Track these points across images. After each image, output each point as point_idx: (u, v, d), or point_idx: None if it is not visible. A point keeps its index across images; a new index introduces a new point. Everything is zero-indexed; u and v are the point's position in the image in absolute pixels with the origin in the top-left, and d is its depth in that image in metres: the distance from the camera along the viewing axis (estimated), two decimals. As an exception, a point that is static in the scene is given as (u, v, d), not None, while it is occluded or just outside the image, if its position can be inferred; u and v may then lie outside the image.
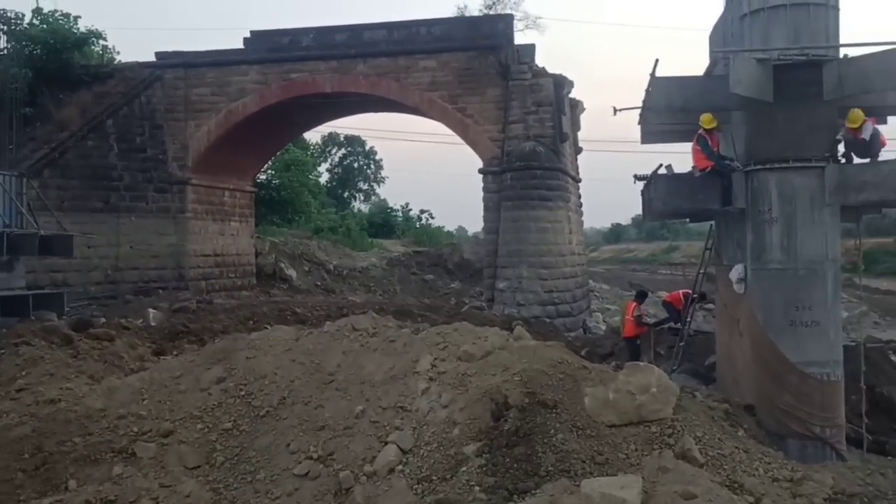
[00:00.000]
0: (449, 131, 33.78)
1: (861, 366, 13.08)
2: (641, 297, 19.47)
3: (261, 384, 9.62)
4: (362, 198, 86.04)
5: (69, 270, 29.45)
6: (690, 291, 20.17)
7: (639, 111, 13.84)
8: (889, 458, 13.42)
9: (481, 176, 32.11)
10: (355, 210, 78.70)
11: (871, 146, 11.74)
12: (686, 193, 12.36)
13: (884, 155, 11.89)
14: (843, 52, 11.70)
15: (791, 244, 11.52)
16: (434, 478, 7.89)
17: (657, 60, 11.70)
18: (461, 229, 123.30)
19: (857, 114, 11.48)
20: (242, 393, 9.52)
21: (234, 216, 37.71)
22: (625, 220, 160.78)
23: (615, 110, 14.34)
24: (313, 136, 63.23)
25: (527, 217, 30.28)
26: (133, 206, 32.91)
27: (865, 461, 11.47)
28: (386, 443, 8.40)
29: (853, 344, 13.71)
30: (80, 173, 31.61)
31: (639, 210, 15.95)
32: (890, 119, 13.27)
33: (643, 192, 13.86)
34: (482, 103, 31.78)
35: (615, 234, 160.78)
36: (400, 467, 8.13)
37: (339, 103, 35.48)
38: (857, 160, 11.79)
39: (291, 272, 40.67)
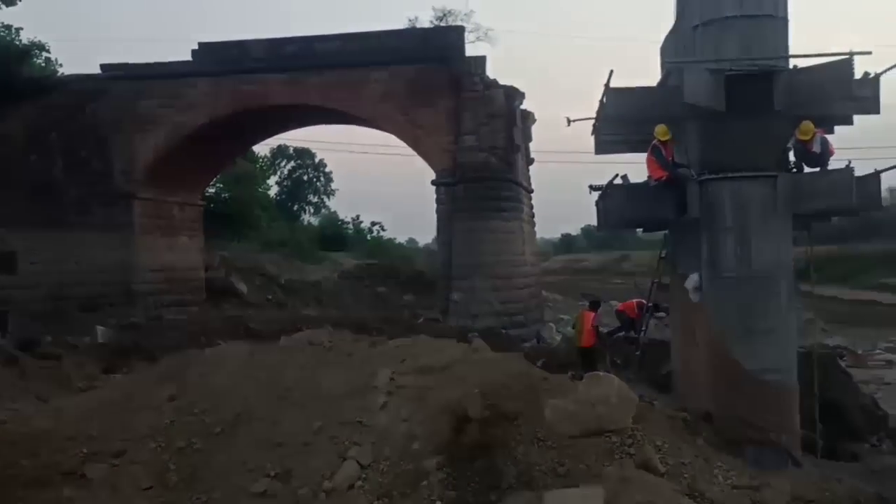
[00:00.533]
0: (400, 143, 33.73)
1: (813, 372, 13.25)
2: (596, 306, 19.59)
3: (215, 401, 9.42)
4: (312, 211, 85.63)
5: (12, 288, 28.69)
6: (644, 301, 20.42)
7: (592, 122, 13.92)
8: (841, 463, 13.65)
9: (434, 188, 32.08)
10: (305, 223, 78.28)
11: (821, 156, 11.91)
12: (642, 203, 12.42)
13: (832, 164, 12.08)
14: (792, 62, 11.86)
15: (745, 253, 11.63)
16: (395, 493, 7.79)
17: (612, 71, 11.76)
18: (412, 241, 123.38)
19: (808, 126, 11.64)
20: (196, 411, 9.31)
21: (183, 230, 37.12)
22: (575, 230, 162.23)
23: (569, 121, 14.40)
24: (262, 148, 62.83)
25: (480, 228, 30.27)
26: (78, 221, 32.20)
27: (819, 467, 11.59)
28: (345, 458, 8.27)
29: (802, 350, 13.88)
30: (23, 188, 30.91)
31: (589, 220, 16.04)
32: (836, 128, 13.46)
33: (598, 203, 13.90)
34: (434, 115, 31.75)
35: (566, 244, 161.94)
36: (360, 483, 8.02)
37: (291, 115, 35.23)
38: (807, 169, 11.95)
39: (242, 286, 40.17)
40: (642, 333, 17.08)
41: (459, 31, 33.24)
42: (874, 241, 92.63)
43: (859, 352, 31.99)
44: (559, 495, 7.31)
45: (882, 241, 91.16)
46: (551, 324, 36.53)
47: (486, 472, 7.66)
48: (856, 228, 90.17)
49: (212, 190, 46.00)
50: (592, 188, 13.79)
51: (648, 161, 12.20)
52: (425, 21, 34.98)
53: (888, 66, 12.02)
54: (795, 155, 11.96)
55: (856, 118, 13.06)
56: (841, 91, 11.26)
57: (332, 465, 8.26)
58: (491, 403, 8.40)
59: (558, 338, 30.98)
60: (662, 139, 12.02)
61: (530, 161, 36.81)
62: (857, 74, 11.30)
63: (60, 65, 37.80)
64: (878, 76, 12.08)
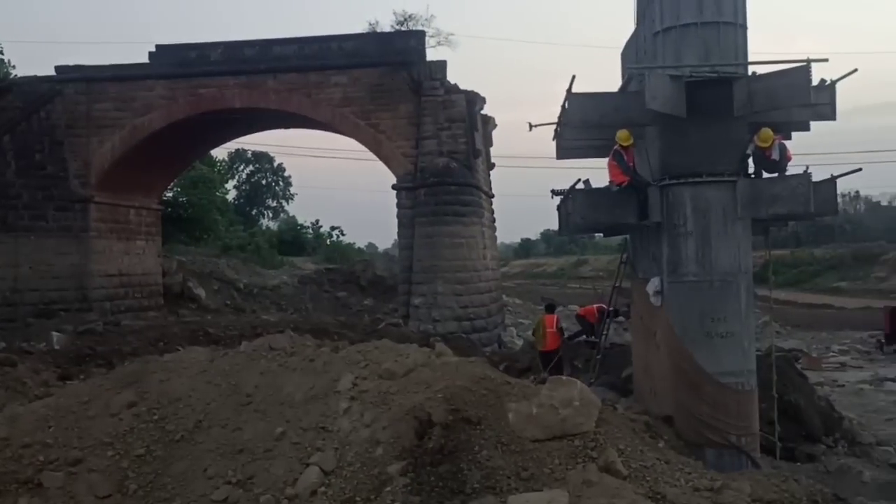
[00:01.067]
0: (360, 147, 33.66)
1: (771, 375, 13.39)
2: (552, 309, 19.70)
3: (175, 408, 9.31)
4: (271, 215, 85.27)
5: (-36, 293, 28.21)
6: (605, 305, 20.59)
7: (554, 127, 13.97)
8: (798, 464, 13.83)
9: (394, 192, 32.05)
10: (264, 227, 77.77)
11: (779, 161, 12.06)
12: (603, 208, 12.45)
13: (790, 169, 12.24)
14: (751, 69, 11.99)
15: (706, 257, 11.72)
16: (358, 499, 7.75)
17: (574, 77, 11.79)
18: (371, 246, 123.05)
19: (767, 133, 11.77)
20: (156, 417, 9.20)
21: (140, 235, 36.70)
22: (534, 234, 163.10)
23: (531, 126, 14.41)
24: (220, 152, 62.38)
25: (441, 233, 30.30)
26: (32, 226, 31.75)
27: (777, 468, 11.73)
28: (308, 464, 8.22)
29: (759, 353, 14.03)
30: (-25, 192, 30.35)
31: (548, 224, 16.13)
32: (794, 134, 13.65)
33: (560, 207, 13.95)
34: (395, 119, 31.74)
35: (525, 248, 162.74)
36: (323, 489, 7.96)
37: (249, 119, 35.01)
38: (765, 174, 12.09)
39: (200, 291, 39.80)
40: (603, 338, 17.17)
41: (420, 35, 33.24)
42: (826, 245, 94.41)
43: (814, 354, 32.47)
44: (523, 499, 7.31)
45: (834, 246, 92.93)
46: (512, 328, 36.66)
47: (449, 476, 7.65)
48: (809, 233, 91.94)
49: (169, 194, 45.51)
50: (554, 193, 13.83)
51: (610, 166, 12.26)
52: (386, 25, 34.93)
53: (844, 73, 12.24)
54: (754, 161, 12.08)
55: (812, 124, 13.28)
56: (798, 98, 11.37)
57: (295, 471, 8.20)
58: (454, 408, 8.39)
59: (519, 342, 31.07)
60: (624, 144, 12.10)
61: (491, 166, 36.91)
62: (814, 81, 11.45)
63: (14, 67, 37.20)
64: (834, 83, 12.27)
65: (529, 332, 28.46)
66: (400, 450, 8.09)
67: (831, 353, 34.74)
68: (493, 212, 36.50)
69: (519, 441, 8.19)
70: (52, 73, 33.66)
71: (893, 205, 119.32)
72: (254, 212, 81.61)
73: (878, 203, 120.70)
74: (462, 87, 32.08)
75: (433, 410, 8.37)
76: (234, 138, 41.69)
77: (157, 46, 34.02)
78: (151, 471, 8.53)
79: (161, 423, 9.09)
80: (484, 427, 8.24)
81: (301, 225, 76.44)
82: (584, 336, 21.30)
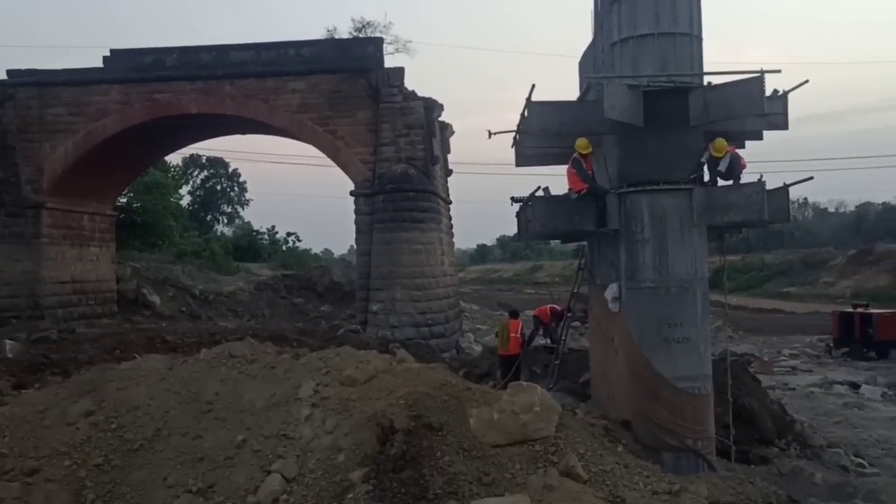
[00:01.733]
0: (316, 153, 33.59)
1: (726, 379, 13.62)
2: (516, 315, 19.89)
3: (133, 416, 9.21)
4: (226, 221, 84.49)
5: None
6: (557, 307, 20.94)
7: (513, 135, 14.09)
8: (752, 466, 14.06)
9: (351, 198, 32.01)
10: (219, 233, 77.04)
11: (733, 170, 12.29)
12: (563, 215, 12.56)
13: (745, 177, 12.47)
14: (706, 79, 12.20)
15: (663, 263, 11.90)
16: (320, 505, 7.73)
17: (533, 86, 11.91)
18: (327, 252, 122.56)
19: (721, 143, 12.01)
20: (114, 426, 9.09)
21: (94, 241, 36.22)
22: (490, 240, 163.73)
23: (490, 134, 14.55)
24: (174, 157, 61.64)
25: (399, 239, 30.32)
26: (-18, 232, 31.17)
27: (732, 471, 11.92)
28: (269, 472, 8.18)
29: (714, 358, 14.24)
30: (-77, 197, 29.75)
31: (504, 230, 16.22)
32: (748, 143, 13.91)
33: (519, 214, 14.05)
34: (353, 126, 31.73)
35: (481, 254, 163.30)
36: (284, 497, 7.94)
37: (206, 125, 34.74)
38: (721, 183, 12.30)
39: (155, 298, 39.33)
40: (561, 343, 17.31)
41: (378, 42, 33.25)
42: (776, 251, 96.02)
43: (765, 359, 32.98)
44: (485, 504, 7.37)
45: (784, 252, 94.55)
46: (469, 334, 36.75)
47: (412, 482, 7.66)
48: (759, 239, 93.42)
49: (123, 200, 44.91)
50: (514, 200, 13.93)
51: (569, 173, 12.38)
52: (344, 32, 34.81)
53: (796, 83, 12.51)
54: (709, 169, 12.30)
55: (765, 133, 13.55)
56: (752, 108, 11.59)
57: (256, 479, 8.16)
58: (416, 414, 8.41)
59: (478, 348, 31.18)
60: (583, 152, 12.24)
61: (449, 172, 37.03)
62: (767, 92, 11.68)
63: (-38, 71, 36.36)
64: (786, 94, 12.54)
65: (492, 336, 28.64)
66: (362, 456, 8.09)
67: (782, 358, 35.35)
68: (450, 218, 36.62)
69: (480, 446, 8.23)
70: (4, 76, 33.15)
71: (840, 211, 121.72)
72: (208, 217, 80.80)
73: (826, 210, 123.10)
74: (420, 94, 32.21)
75: (395, 417, 8.39)
76: (190, 143, 41.32)
77: (112, 51, 33.69)
78: (110, 480, 8.43)
79: (119, 432, 8.99)
80: (446, 433, 8.27)
81: (257, 231, 75.89)
82: (538, 335, 21.67)
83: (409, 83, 32.36)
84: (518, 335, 18.19)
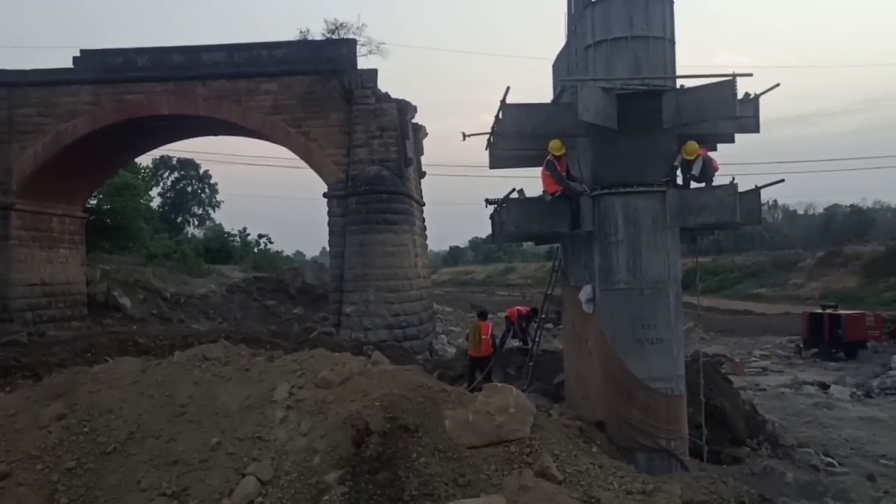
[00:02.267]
0: (289, 155, 33.47)
1: (699, 380, 13.73)
2: (485, 316, 20.02)
3: (106, 419, 9.13)
4: (197, 223, 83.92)
5: None
6: (522, 309, 21.14)
7: (488, 137, 14.12)
8: (724, 466, 14.19)
9: (324, 200, 31.94)
10: (189, 235, 76.50)
11: (705, 173, 12.39)
12: (537, 217, 12.60)
13: (717, 180, 12.58)
14: (679, 82, 12.30)
15: (636, 265, 11.97)
16: (296, 508, 7.71)
17: (508, 88, 11.93)
18: (299, 254, 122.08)
19: (692, 146, 12.11)
20: (86, 429, 9.00)
21: (63, 243, 35.84)
22: (462, 242, 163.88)
23: (464, 136, 14.55)
24: (144, 159, 61.17)
25: (373, 241, 30.29)
26: (-50, 234, 30.77)
27: (705, 471, 12.02)
28: (244, 475, 8.15)
29: (687, 359, 14.36)
30: None
31: (476, 232, 16.24)
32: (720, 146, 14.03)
33: (494, 216, 14.07)
34: (326, 127, 31.66)
35: (453, 256, 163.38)
36: (259, 499, 7.91)
37: (177, 126, 34.52)
38: (693, 185, 12.41)
39: (125, 301, 38.97)
40: (535, 345, 17.37)
41: (351, 43, 33.17)
42: (746, 252, 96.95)
43: (736, 360, 33.27)
44: (461, 505, 7.38)
45: (754, 253, 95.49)
46: (443, 335, 36.77)
47: (387, 484, 7.66)
48: (730, 241, 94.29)
49: (93, 201, 44.45)
50: (488, 202, 13.96)
51: (543, 176, 12.43)
52: (317, 33, 34.68)
53: (767, 87, 12.65)
54: (682, 172, 12.40)
55: (737, 136, 13.68)
56: (724, 111, 11.69)
57: (231, 481, 8.12)
58: (392, 416, 8.42)
59: (451, 350, 31.20)
60: (557, 154, 12.28)
61: (422, 174, 37.03)
62: (739, 95, 11.78)
63: (-71, 71, 35.82)
64: (758, 97, 12.67)
65: (462, 339, 28.69)
66: (337, 458, 8.08)
67: (753, 359, 35.68)
68: (424, 220, 36.61)
69: (456, 448, 8.25)
70: (-29, 77, 32.73)
71: (809, 214, 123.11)
72: (179, 219, 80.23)
73: (795, 212, 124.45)
74: (393, 95, 32.19)
75: (370, 419, 8.39)
76: (161, 145, 41.02)
77: (82, 51, 33.37)
78: (83, 484, 8.35)
79: (92, 436, 8.91)
80: (421, 434, 8.28)
81: (228, 233, 75.38)
82: (510, 336, 21.87)
83: (383, 85, 32.40)
84: (489, 337, 18.24)
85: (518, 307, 22.52)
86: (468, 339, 20.17)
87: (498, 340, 19.70)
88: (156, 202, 71.08)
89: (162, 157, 74.11)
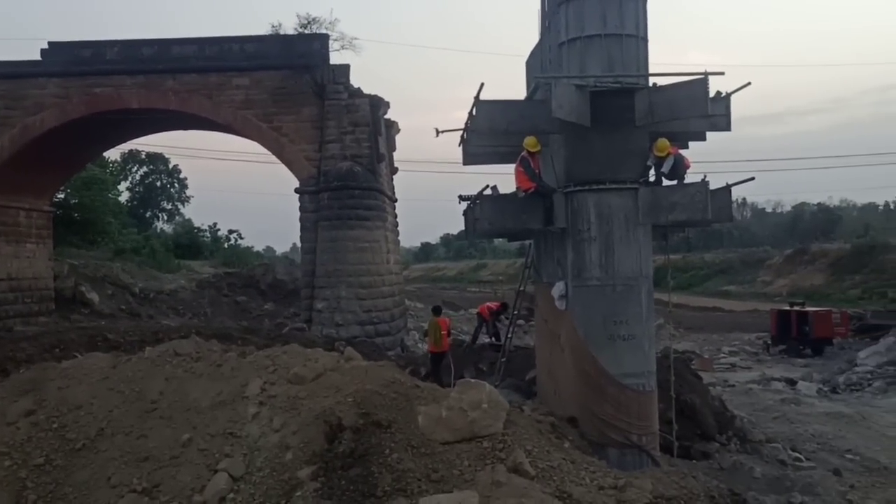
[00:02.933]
0: (259, 150, 33.32)
1: (669, 375, 13.83)
2: (440, 312, 20.24)
3: (76, 415, 9.05)
4: (166, 218, 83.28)
5: None
6: (492, 306, 21.31)
7: (461, 133, 14.12)
8: (694, 461, 14.32)
9: (296, 196, 31.80)
10: (159, 230, 75.89)
11: (676, 170, 12.48)
12: (510, 213, 12.60)
13: (688, 177, 12.66)
14: (652, 80, 12.36)
15: (609, 261, 12.02)
16: (268, 504, 7.69)
17: (482, 84, 11.92)
18: (269, 249, 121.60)
19: (663, 143, 12.19)
20: (55, 425, 8.93)
21: (30, 237, 35.39)
22: (434, 238, 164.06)
23: (438, 132, 14.55)
24: (113, 153, 60.40)
25: (344, 237, 30.21)
26: (-86, 228, 30.30)
27: (675, 466, 12.11)
28: (216, 471, 8.13)
29: (657, 355, 14.47)
30: None
31: (448, 228, 16.26)
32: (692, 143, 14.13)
33: (467, 212, 14.08)
34: (298, 122, 31.50)
35: (425, 252, 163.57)
36: (231, 495, 7.89)
37: (147, 120, 34.14)
38: (665, 182, 12.48)
39: (93, 296, 38.53)
40: (508, 341, 17.44)
41: (324, 38, 33.04)
42: (716, 250, 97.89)
43: (706, 356, 33.59)
44: (433, 501, 7.40)
45: (723, 251, 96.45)
46: (414, 332, 36.76)
47: (360, 480, 7.67)
48: (699, 238, 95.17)
49: (60, 196, 43.95)
50: (462, 198, 13.95)
51: (517, 172, 12.43)
52: (289, 28, 34.54)
53: (738, 86, 12.74)
54: (654, 169, 12.47)
55: (708, 134, 13.78)
56: (696, 109, 11.75)
57: (203, 477, 8.09)
58: (364, 412, 8.42)
59: (423, 346, 31.20)
60: (532, 150, 12.30)
61: (394, 170, 37.00)
62: (711, 93, 11.86)
63: None
64: (729, 95, 12.76)
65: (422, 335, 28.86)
66: (310, 454, 8.08)
67: (722, 355, 36.06)
68: (396, 216, 36.58)
69: (429, 444, 8.27)
70: (-64, 68, 32.19)
71: (778, 212, 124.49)
72: (148, 214, 79.57)
73: (764, 210, 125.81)
74: (366, 91, 32.11)
75: (343, 414, 8.39)
76: (130, 139, 40.64)
77: (50, 44, 32.90)
78: (52, 480, 8.28)
79: (61, 432, 8.83)
80: (394, 430, 8.29)
81: (198, 228, 74.88)
82: (482, 331, 22.02)
83: (356, 80, 32.28)
84: (446, 332, 18.43)
85: (488, 303, 22.70)
86: (426, 336, 20.29)
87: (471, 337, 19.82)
88: (124, 197, 70.54)
89: (131, 152, 73.42)
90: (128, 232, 59.85)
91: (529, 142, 12.25)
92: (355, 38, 36.94)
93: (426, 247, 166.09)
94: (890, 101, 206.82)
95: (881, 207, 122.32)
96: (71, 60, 31.95)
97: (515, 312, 17.61)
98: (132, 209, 73.46)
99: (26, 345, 17.39)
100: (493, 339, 21.71)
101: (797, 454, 15.95)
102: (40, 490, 8.18)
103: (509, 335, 17.54)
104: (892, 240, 75.53)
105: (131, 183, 78.47)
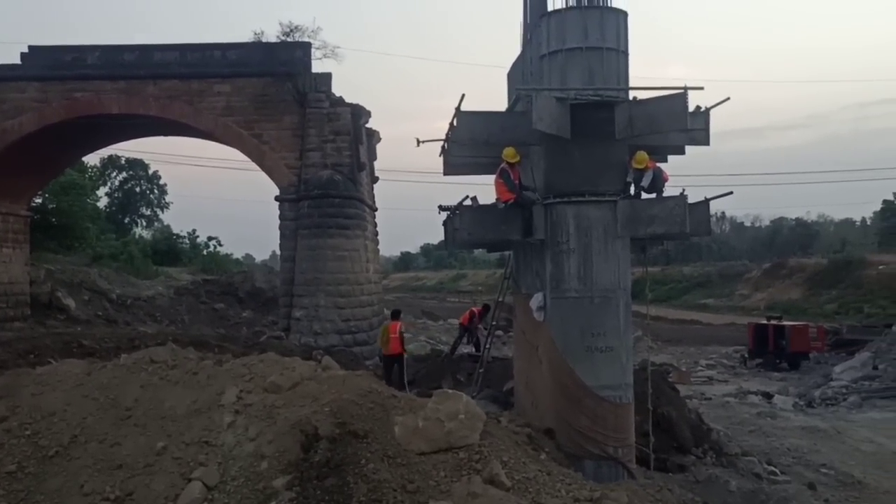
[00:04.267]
0: (239, 157, 33.19)
1: (646, 388, 13.88)
2: (398, 315, 20.39)
3: (49, 422, 8.93)
4: (145, 224, 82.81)
5: None
6: (478, 309, 21.37)
7: (442, 143, 14.16)
8: (670, 474, 14.37)
9: (276, 203, 31.73)
10: (137, 236, 75.40)
11: (655, 184, 12.56)
12: (490, 224, 12.65)
13: (667, 191, 12.75)
14: (632, 94, 12.44)
15: (587, 274, 12.08)
16: (243, 514, 7.63)
17: (463, 95, 11.98)
18: (249, 257, 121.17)
19: (642, 156, 12.28)
20: (28, 432, 8.79)
21: (7, 242, 35.11)
22: (414, 248, 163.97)
23: (419, 142, 14.61)
24: (92, 158, 60.01)
25: (324, 245, 30.15)
26: None
27: (651, 479, 12.15)
28: (190, 479, 8.03)
29: (635, 367, 14.52)
30: None
31: (427, 238, 16.27)
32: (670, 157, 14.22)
33: (447, 222, 14.10)
34: (279, 130, 31.47)
35: (404, 261, 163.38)
36: (205, 504, 7.80)
37: (127, 125, 33.99)
38: (644, 196, 12.55)
39: (70, 302, 38.24)
40: (486, 352, 17.46)
41: (306, 47, 32.99)
42: (694, 263, 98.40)
43: (683, 369, 33.75)
44: (409, 512, 7.37)
45: (702, 264, 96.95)
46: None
47: (336, 490, 7.62)
48: (678, 251, 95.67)
49: (38, 200, 43.60)
50: (442, 208, 13.98)
51: (497, 183, 12.47)
52: (271, 36, 34.47)
53: (717, 101, 12.85)
54: (634, 183, 12.54)
55: (687, 148, 13.88)
56: (676, 123, 11.86)
57: (177, 486, 8.00)
58: (341, 421, 8.37)
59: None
60: (511, 161, 12.34)
61: (375, 179, 36.99)
62: (690, 108, 11.95)
63: None
64: (708, 110, 12.88)
65: (415, 344, 28.88)
66: (285, 464, 8.01)
67: (699, 368, 36.26)
68: (376, 225, 36.54)
69: (405, 454, 8.22)
70: (-87, 70, 31.90)
71: (756, 226, 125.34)
72: (127, 220, 79.10)
73: (743, 224, 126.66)
74: (348, 100, 32.12)
75: (320, 424, 8.33)
76: (110, 144, 40.39)
77: (30, 47, 32.70)
78: (23, 488, 8.16)
79: (34, 438, 8.71)
80: (370, 440, 8.23)
81: (177, 234, 74.45)
82: (463, 341, 22.05)
83: (338, 89, 32.32)
84: (397, 335, 18.52)
85: (470, 309, 22.77)
86: (379, 339, 20.50)
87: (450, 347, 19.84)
88: (103, 202, 70.14)
89: (110, 157, 72.94)
90: (106, 237, 59.44)
91: (508, 153, 12.29)
92: (338, 47, 36.88)
93: (406, 256, 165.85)
94: (868, 117, 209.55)
95: (858, 223, 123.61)
96: (51, 64, 31.77)
97: (494, 323, 17.64)
98: (111, 215, 73.04)
99: (0, 350, 17.22)
100: (473, 348, 21.73)
101: (772, 468, 16.05)
102: (11, 497, 8.06)
103: (487, 346, 17.56)
104: (869, 255, 76.19)
105: (110, 188, 78.13)
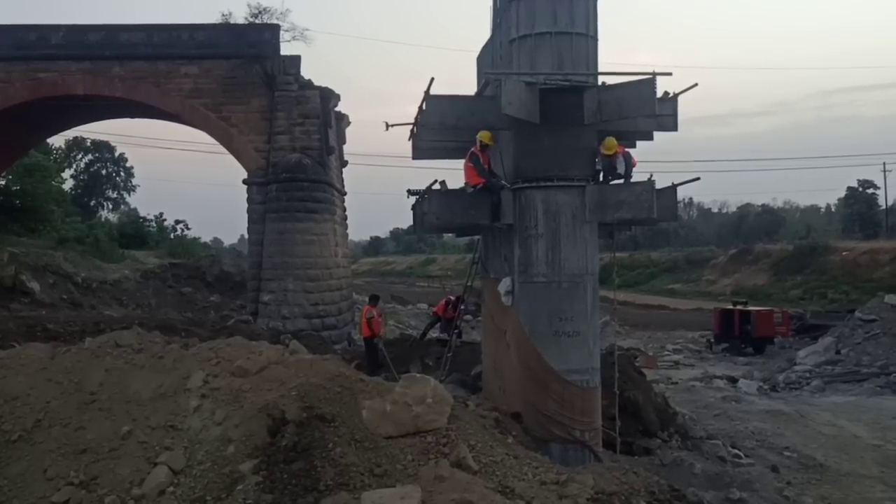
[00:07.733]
0: (208, 140, 32.98)
1: (613, 372, 13.97)
2: (375, 300, 20.38)
3: (12, 406, 8.83)
4: (111, 206, 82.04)
5: None
6: (451, 297, 21.37)
7: (411, 127, 14.09)
8: (636, 457, 14.49)
9: (244, 187, 31.54)
10: (103, 219, 74.60)
11: (625, 169, 12.61)
12: (458, 209, 12.61)
13: (635, 176, 12.81)
14: (601, 79, 12.46)
15: (555, 258, 12.09)
16: (209, 498, 7.60)
17: (432, 79, 11.91)
18: (217, 241, 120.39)
19: (611, 141, 12.30)
20: (-9, 417, 8.70)
21: (-31, 225, 34.60)
22: (383, 232, 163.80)
23: (387, 126, 14.50)
24: (57, 140, 59.37)
25: (293, 229, 30.05)
26: None
27: (617, 462, 12.24)
28: (155, 464, 7.98)
29: (602, 352, 14.61)
30: None
31: (397, 223, 16.22)
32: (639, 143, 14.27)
33: (415, 207, 14.06)
34: (247, 113, 31.28)
35: (374, 246, 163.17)
36: (171, 489, 7.75)
37: (92, 107, 33.65)
38: (612, 181, 12.59)
39: (34, 285, 37.69)
40: (454, 336, 17.46)
41: (275, 29, 32.76)
42: (662, 249, 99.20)
43: (650, 353, 34.01)
44: (376, 495, 7.36)
45: (669, 249, 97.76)
46: (362, 326, 36.66)
47: (303, 474, 7.60)
48: (646, 237, 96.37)
49: (1, 182, 42.99)
50: (410, 192, 13.92)
51: (466, 167, 12.44)
52: (239, 17, 34.17)
53: (685, 87, 12.90)
54: (602, 167, 12.57)
55: (655, 134, 13.93)
56: (644, 109, 11.86)
57: (142, 470, 7.94)
58: (308, 405, 8.35)
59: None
60: (486, 143, 12.32)
61: (344, 163, 36.85)
62: (658, 94, 11.98)
63: None
64: (676, 96, 12.92)
65: (386, 328, 29.01)
66: (252, 448, 7.98)
67: (666, 352, 36.57)
68: (345, 209, 36.44)
69: (372, 438, 8.22)
70: None
71: (723, 212, 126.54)
72: (93, 203, 78.27)
73: (710, 210, 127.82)
74: (317, 83, 31.95)
75: (287, 408, 8.31)
76: (75, 126, 40.01)
77: (-9, 26, 32.22)
78: (-15, 473, 8.08)
79: (-4, 423, 8.62)
80: (338, 424, 8.23)
81: (143, 218, 73.76)
82: (434, 328, 22.10)
83: (307, 72, 32.20)
84: (365, 320, 19.01)
85: (448, 296, 22.82)
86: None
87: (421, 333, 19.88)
88: (68, 184, 69.42)
89: (76, 139, 72.17)
90: (71, 220, 58.79)
91: (484, 135, 12.27)
92: (306, 30, 36.77)
93: (375, 241, 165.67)
94: (833, 105, 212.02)
95: (823, 210, 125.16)
96: (14, 44, 31.32)
97: (462, 307, 17.66)
98: (76, 197, 72.25)
99: (-38, 334, 17.01)
100: (446, 333, 21.73)
101: (737, 451, 16.23)
102: (-27, 482, 7.98)
103: (455, 330, 17.57)
104: (833, 242, 77.15)
105: (76, 171, 77.34)
